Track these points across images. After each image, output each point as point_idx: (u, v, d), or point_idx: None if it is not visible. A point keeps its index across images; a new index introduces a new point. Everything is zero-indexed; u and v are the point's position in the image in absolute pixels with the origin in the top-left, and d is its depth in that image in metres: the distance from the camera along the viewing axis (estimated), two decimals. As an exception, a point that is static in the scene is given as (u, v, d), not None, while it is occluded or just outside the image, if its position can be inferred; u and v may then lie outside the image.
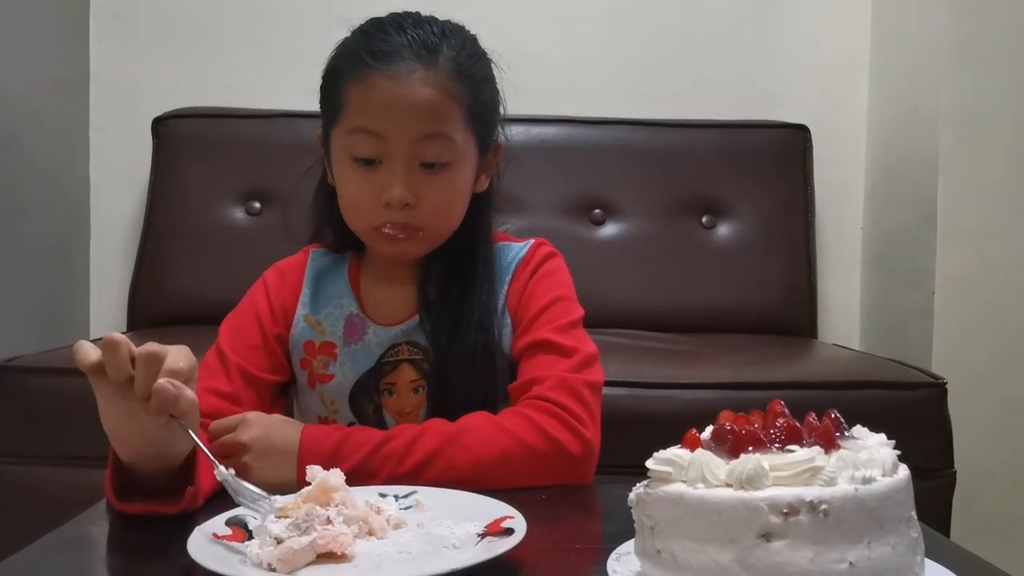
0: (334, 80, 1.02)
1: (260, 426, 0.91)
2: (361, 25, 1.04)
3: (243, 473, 0.87)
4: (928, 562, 0.65)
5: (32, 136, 1.99)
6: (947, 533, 1.54)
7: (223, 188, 2.11)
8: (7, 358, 1.52)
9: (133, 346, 0.77)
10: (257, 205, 2.11)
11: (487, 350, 1.03)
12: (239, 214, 2.11)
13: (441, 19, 1.05)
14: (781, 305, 2.10)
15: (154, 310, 2.05)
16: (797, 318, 2.11)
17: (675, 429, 1.50)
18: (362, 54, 0.99)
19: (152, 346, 0.77)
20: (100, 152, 2.24)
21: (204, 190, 2.10)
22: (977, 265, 1.92)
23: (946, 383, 1.54)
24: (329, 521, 0.69)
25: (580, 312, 1.08)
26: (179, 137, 2.13)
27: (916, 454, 1.59)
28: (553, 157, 2.15)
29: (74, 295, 2.20)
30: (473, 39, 1.06)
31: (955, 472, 1.54)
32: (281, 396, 1.10)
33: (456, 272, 1.06)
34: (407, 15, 1.04)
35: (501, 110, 1.09)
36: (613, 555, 0.69)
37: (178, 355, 0.78)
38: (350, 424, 1.05)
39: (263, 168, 2.10)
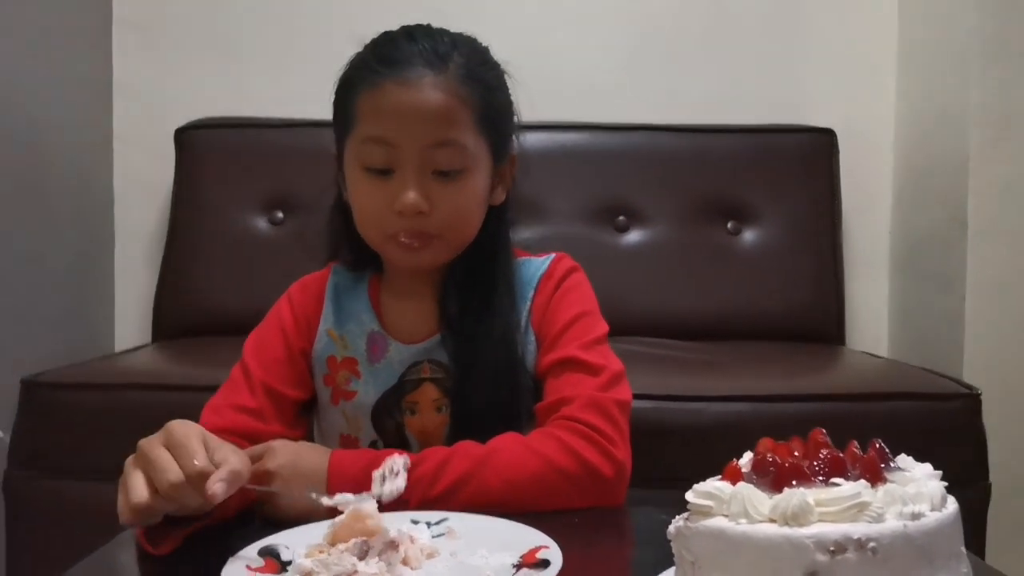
0: (346, 92, 1.02)
1: (287, 453, 0.90)
2: (374, 39, 1.04)
3: (272, 501, 0.86)
4: (976, 594, 0.63)
5: (56, 146, 2.00)
6: (983, 545, 1.52)
7: (246, 198, 2.11)
8: (34, 373, 1.52)
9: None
10: (280, 215, 2.11)
11: (510, 367, 1.02)
12: (262, 224, 2.11)
13: (453, 31, 1.04)
14: (808, 311, 2.08)
15: (178, 320, 2.06)
16: (825, 324, 2.08)
17: (704, 442, 1.50)
18: (373, 63, 0.99)
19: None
20: (123, 162, 2.25)
21: (227, 200, 2.11)
22: (1009, 268, 1.89)
23: (980, 393, 1.52)
24: (365, 553, 0.68)
25: (605, 328, 1.07)
26: (201, 147, 2.14)
27: (950, 465, 1.56)
28: (576, 163, 2.13)
29: (99, 305, 2.20)
30: (485, 50, 1.05)
31: (990, 484, 1.51)
32: (303, 414, 1.09)
33: (476, 288, 1.04)
34: (419, 27, 1.04)
35: (516, 120, 1.07)
36: (651, 586, 0.68)
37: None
38: (372, 443, 1.04)
39: (285, 177, 2.10)
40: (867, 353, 2.02)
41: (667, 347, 1.86)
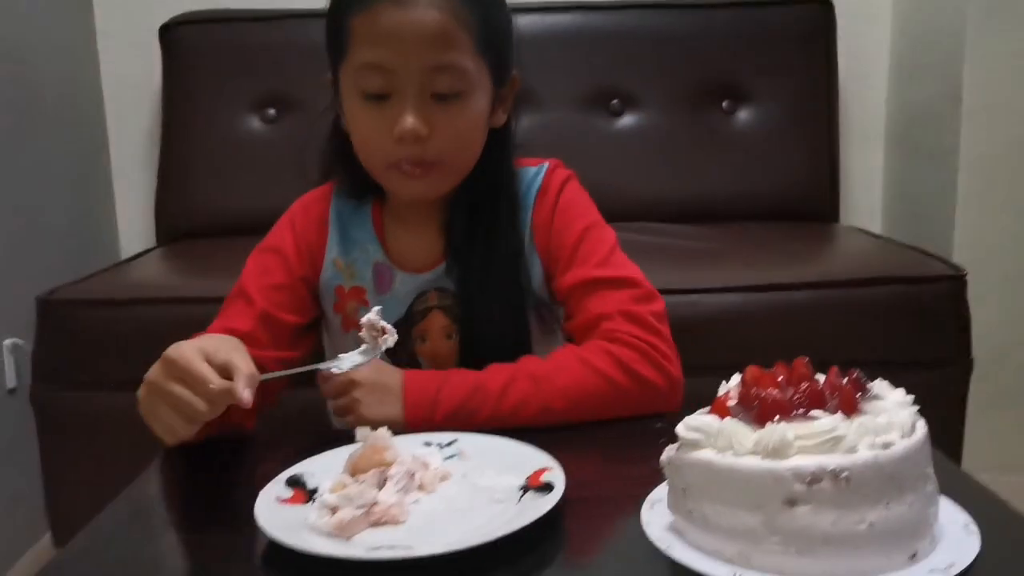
0: (338, 16, 0.98)
1: (370, 365, 0.93)
2: None
3: (354, 408, 0.93)
4: (942, 500, 0.69)
5: (40, 52, 1.97)
6: (963, 417, 1.60)
7: (236, 96, 2.10)
8: (48, 291, 1.56)
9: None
10: (272, 112, 2.10)
11: (517, 293, 1.04)
12: (255, 122, 2.10)
13: None
14: (804, 188, 2.11)
15: (180, 222, 2.09)
16: (820, 201, 2.12)
17: (700, 333, 1.55)
18: None
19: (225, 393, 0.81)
20: (110, 62, 2.23)
21: (217, 99, 2.10)
22: (1001, 142, 1.90)
23: (966, 274, 1.56)
24: (383, 483, 0.75)
25: (612, 234, 1.07)
26: (187, 44, 2.11)
27: (935, 345, 1.64)
28: (567, 46, 2.11)
29: (102, 209, 2.23)
30: None
31: (972, 360, 1.58)
32: (302, 336, 1.08)
33: (481, 216, 1.04)
34: None
35: (515, 39, 1.03)
36: (647, 502, 0.74)
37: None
38: None
39: (275, 73, 2.08)
40: (860, 230, 2.05)
41: (663, 233, 1.89)
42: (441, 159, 0.99)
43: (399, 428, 0.87)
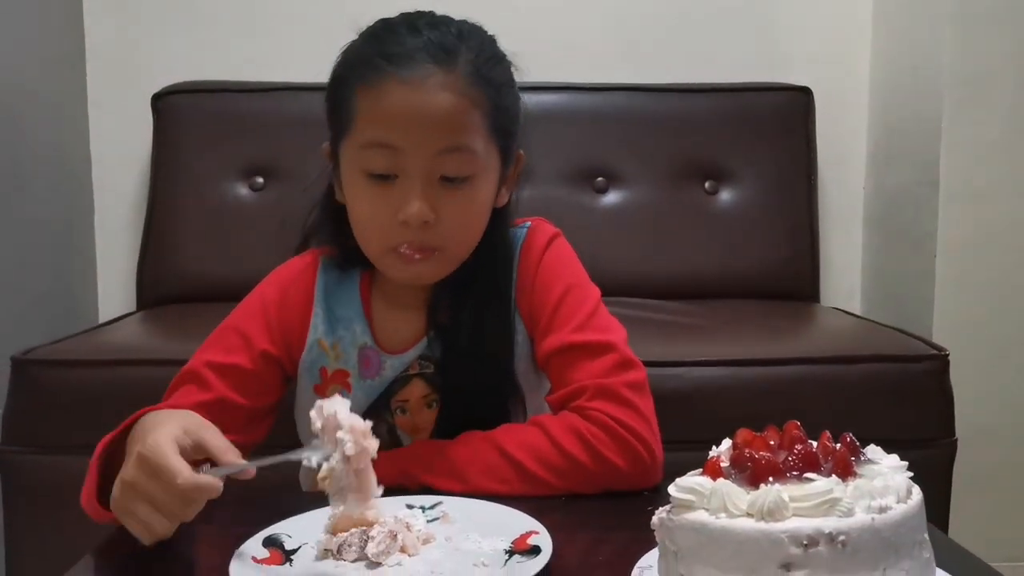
0: (341, 89, 0.95)
1: None
2: (370, 27, 0.96)
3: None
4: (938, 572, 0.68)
5: (31, 115, 1.97)
6: (948, 498, 1.58)
7: (225, 164, 2.10)
8: (23, 351, 1.53)
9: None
10: (260, 180, 2.11)
11: (502, 367, 1.01)
12: (243, 190, 2.11)
13: (457, 19, 0.98)
14: (784, 269, 2.12)
15: (162, 288, 2.06)
16: (800, 281, 2.13)
17: (682, 407, 1.54)
18: (374, 58, 0.92)
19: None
20: (100, 128, 2.23)
21: (206, 167, 2.10)
22: (978, 227, 1.93)
23: (948, 354, 1.56)
24: (364, 543, 0.72)
25: (595, 295, 1.03)
26: (179, 113, 2.12)
27: (918, 424, 1.63)
28: (555, 125, 2.13)
29: (82, 274, 2.21)
30: (492, 40, 0.99)
31: (956, 440, 1.57)
32: (257, 421, 1.02)
33: (469, 291, 1.01)
34: (420, 15, 0.97)
35: (522, 117, 1.01)
36: (636, 568, 0.72)
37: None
38: None
39: (264, 142, 2.10)
40: (840, 310, 2.06)
41: (647, 308, 1.90)
42: (444, 245, 0.95)
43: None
